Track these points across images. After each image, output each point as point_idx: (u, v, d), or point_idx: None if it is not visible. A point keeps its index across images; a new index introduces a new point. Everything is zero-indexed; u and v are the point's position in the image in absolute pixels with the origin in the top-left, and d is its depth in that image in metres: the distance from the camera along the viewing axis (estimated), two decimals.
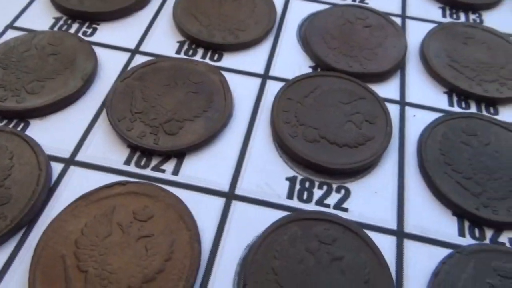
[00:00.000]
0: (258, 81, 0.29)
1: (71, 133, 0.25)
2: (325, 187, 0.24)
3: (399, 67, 0.31)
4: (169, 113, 0.26)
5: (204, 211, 0.23)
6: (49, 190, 0.23)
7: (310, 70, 0.30)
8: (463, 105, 0.29)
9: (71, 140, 0.25)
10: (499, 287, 0.20)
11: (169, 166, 0.24)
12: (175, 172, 0.24)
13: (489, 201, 0.24)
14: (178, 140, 0.25)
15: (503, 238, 0.23)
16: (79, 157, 0.24)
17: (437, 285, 0.20)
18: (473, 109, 0.29)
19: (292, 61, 0.31)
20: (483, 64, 0.31)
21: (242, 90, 0.29)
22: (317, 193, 0.24)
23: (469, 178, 0.24)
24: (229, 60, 0.31)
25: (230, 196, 0.23)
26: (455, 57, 0.31)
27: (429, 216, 0.23)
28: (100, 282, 0.18)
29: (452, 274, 0.21)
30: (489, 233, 0.23)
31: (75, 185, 0.23)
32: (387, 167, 0.26)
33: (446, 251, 0.22)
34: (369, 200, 0.24)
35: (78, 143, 0.25)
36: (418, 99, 0.29)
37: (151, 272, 0.19)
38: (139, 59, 0.30)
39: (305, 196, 0.24)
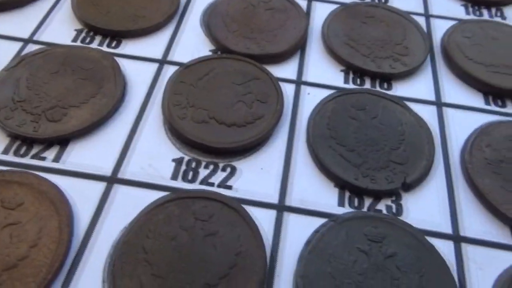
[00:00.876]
0: (155, 66, 0.29)
1: None
2: (211, 167, 0.24)
3: (299, 47, 0.31)
4: (53, 100, 0.25)
5: (84, 197, 0.22)
6: None
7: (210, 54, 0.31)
8: (358, 82, 0.30)
9: None
10: (367, 251, 0.21)
11: (51, 153, 0.24)
12: (57, 159, 0.24)
13: (369, 171, 0.24)
14: (61, 127, 0.24)
15: (381, 205, 0.24)
16: None
17: (308, 253, 0.21)
18: (367, 85, 0.30)
19: (193, 46, 0.31)
20: (379, 42, 0.32)
21: (138, 76, 0.29)
22: (203, 172, 0.24)
23: (352, 150, 0.25)
24: (128, 47, 0.30)
25: (111, 180, 0.23)
26: (353, 36, 0.32)
27: (312, 189, 0.24)
28: None
29: (324, 241, 0.21)
30: (368, 202, 0.24)
31: None
32: (277, 145, 0.26)
33: (324, 221, 0.23)
34: (255, 177, 0.24)
35: None
36: (315, 78, 0.30)
37: (13, 259, 0.19)
38: (32, 48, 0.29)
39: (190, 176, 0.24)
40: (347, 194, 0.24)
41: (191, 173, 0.24)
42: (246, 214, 0.22)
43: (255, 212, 0.23)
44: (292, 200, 0.24)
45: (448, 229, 0.23)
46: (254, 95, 0.27)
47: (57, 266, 0.19)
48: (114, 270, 0.19)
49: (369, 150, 0.25)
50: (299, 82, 0.29)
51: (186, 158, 0.25)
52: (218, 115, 0.26)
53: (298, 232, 0.22)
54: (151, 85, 0.28)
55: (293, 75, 0.30)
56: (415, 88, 0.30)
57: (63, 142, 0.24)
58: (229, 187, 0.24)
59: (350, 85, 0.30)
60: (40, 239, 0.20)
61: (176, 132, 0.25)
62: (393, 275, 0.20)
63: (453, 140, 0.27)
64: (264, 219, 0.22)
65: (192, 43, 0.31)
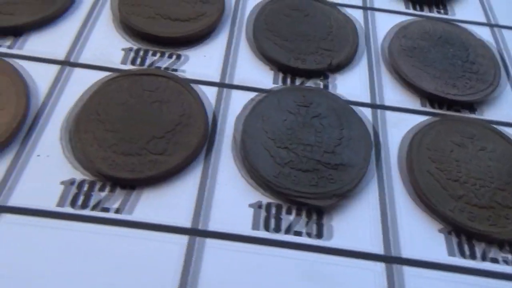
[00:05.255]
0: None
1: None
2: (161, 55, 0.27)
3: None
4: None
5: (41, 76, 0.25)
6: None
7: None
8: None
9: None
10: (296, 113, 0.24)
11: (6, 42, 0.26)
12: (12, 46, 0.26)
13: (300, 55, 0.27)
14: (14, 19, 0.26)
15: (310, 83, 0.27)
16: None
17: (249, 116, 0.24)
18: None
19: None
20: None
21: None
22: (151, 59, 0.27)
23: (285, 40, 0.28)
24: None
25: (65, 63, 0.25)
26: None
27: (256, 72, 0.27)
28: None
29: (258, 106, 0.24)
30: (299, 81, 0.27)
31: None
32: (219, 39, 0.29)
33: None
34: (202, 63, 0.27)
35: None
36: None
37: None
38: None
39: (138, 61, 0.26)
40: (281, 75, 0.27)
41: (139, 59, 0.26)
42: (189, 87, 0.25)
43: (199, 89, 0.25)
44: (234, 80, 0.26)
45: (371, 100, 0.27)
46: None
47: (15, 125, 0.21)
48: (76, 128, 0.22)
49: (301, 39, 0.28)
50: None
51: (135, 47, 0.27)
52: (164, 12, 0.28)
53: (237, 101, 0.25)
54: None
55: None
56: None
57: (17, 33, 0.26)
58: (181, 71, 0.26)
59: None
60: (3, 105, 0.22)
61: (127, 25, 0.27)
62: (317, 129, 0.24)
63: (380, 34, 0.30)
64: (208, 93, 0.25)
65: None
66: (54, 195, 0.21)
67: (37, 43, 0.26)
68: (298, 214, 0.21)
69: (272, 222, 0.21)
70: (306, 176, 0.22)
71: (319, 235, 0.21)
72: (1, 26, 0.26)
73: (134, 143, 0.22)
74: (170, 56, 0.27)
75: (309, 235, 0.21)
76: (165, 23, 0.28)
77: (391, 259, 0.20)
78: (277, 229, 0.21)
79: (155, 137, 0.22)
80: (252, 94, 0.26)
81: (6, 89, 0.22)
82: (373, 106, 0.26)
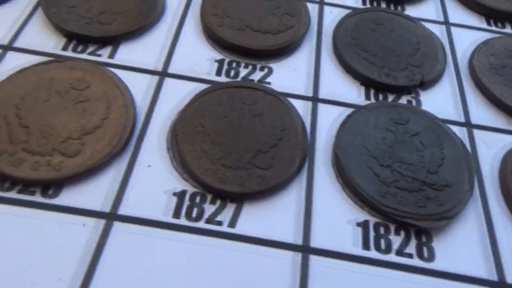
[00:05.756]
0: None
1: (6, 23, 0.27)
2: (250, 67, 0.27)
3: None
4: (102, 7, 0.27)
5: (139, 86, 0.25)
6: None
7: None
8: (374, 4, 0.33)
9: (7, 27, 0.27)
10: (394, 131, 0.24)
11: (105, 51, 0.26)
12: (110, 56, 0.26)
13: (391, 72, 0.27)
14: (109, 28, 0.27)
15: (402, 100, 0.27)
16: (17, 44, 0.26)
17: (343, 131, 0.24)
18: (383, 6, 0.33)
19: None
20: None
21: None
22: (243, 71, 0.27)
23: (374, 55, 0.28)
24: None
25: (157, 73, 0.26)
26: None
27: (341, 86, 0.27)
28: (41, 134, 0.20)
29: (356, 123, 0.24)
30: (390, 98, 0.27)
31: (10, 67, 0.24)
32: (306, 51, 0.29)
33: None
34: (289, 76, 0.27)
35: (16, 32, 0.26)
36: (336, 1, 0.33)
37: (90, 127, 0.21)
38: None
39: (232, 74, 0.27)
40: (372, 91, 0.27)
41: (232, 71, 0.27)
42: (286, 100, 0.25)
43: (292, 103, 0.25)
44: (324, 94, 0.26)
45: (460, 119, 0.26)
46: (283, 9, 0.30)
47: (128, 134, 0.22)
48: (178, 139, 0.22)
49: (389, 55, 0.28)
50: (322, 3, 0.32)
51: (227, 59, 0.27)
52: (253, 24, 0.28)
53: (326, 115, 0.25)
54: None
55: None
56: (424, 10, 0.33)
57: (113, 42, 0.27)
58: (268, 83, 0.26)
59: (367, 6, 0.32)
60: (110, 114, 0.22)
61: (216, 37, 0.28)
62: (417, 148, 0.24)
63: (460, 50, 0.30)
64: (300, 107, 0.25)
65: None
66: (158, 205, 0.21)
67: (130, 53, 0.27)
68: (397, 233, 0.21)
69: (371, 241, 0.21)
70: (413, 196, 0.22)
71: (421, 255, 0.20)
72: (99, 36, 0.26)
73: (241, 157, 0.22)
74: (261, 69, 0.27)
75: (410, 255, 0.20)
76: (252, 35, 0.28)
77: (497, 284, 0.20)
78: (377, 248, 0.20)
79: (260, 152, 0.22)
80: (339, 108, 0.26)
81: (108, 99, 0.23)
82: (461, 124, 0.26)
